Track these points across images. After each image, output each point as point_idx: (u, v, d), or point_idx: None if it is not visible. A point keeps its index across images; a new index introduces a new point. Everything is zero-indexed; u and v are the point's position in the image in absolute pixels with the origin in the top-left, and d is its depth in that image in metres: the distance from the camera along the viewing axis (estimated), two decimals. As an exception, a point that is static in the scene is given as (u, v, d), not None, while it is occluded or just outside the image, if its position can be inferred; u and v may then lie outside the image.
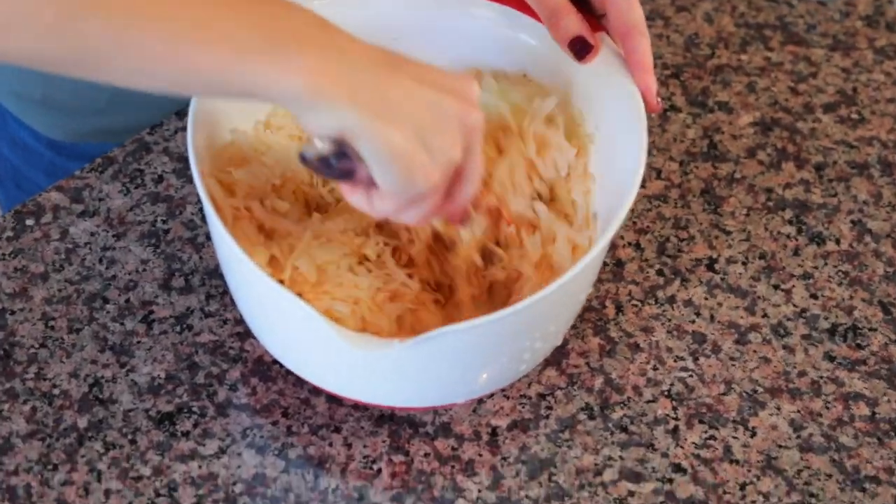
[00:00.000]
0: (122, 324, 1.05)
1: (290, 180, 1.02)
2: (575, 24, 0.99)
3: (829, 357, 1.07)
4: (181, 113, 1.19)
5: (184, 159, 1.16)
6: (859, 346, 1.08)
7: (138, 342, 1.04)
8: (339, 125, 0.79)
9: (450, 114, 0.82)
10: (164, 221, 1.12)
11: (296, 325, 0.92)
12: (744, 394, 1.05)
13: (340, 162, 0.82)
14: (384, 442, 0.99)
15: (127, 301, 1.07)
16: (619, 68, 0.98)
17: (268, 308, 0.93)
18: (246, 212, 0.97)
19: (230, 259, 0.92)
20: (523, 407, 1.02)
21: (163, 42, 0.74)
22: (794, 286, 1.11)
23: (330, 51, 0.78)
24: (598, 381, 1.05)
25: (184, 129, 1.18)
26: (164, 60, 0.75)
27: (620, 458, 1.00)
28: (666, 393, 1.04)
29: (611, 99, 0.99)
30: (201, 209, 1.11)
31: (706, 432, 1.02)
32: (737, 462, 1.00)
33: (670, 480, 0.99)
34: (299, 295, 0.88)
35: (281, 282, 0.93)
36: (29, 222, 1.11)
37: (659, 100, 0.98)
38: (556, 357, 1.05)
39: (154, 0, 0.74)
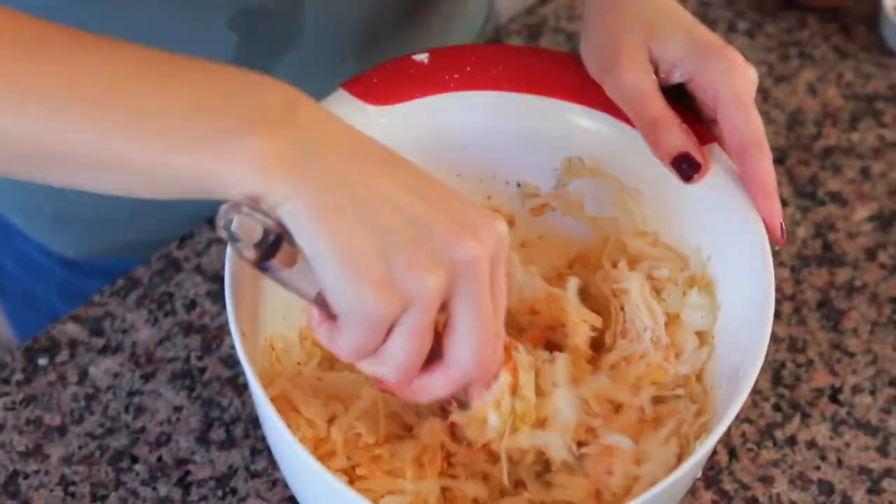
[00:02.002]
0: (154, 488, 0.90)
1: None
2: (679, 137, 0.84)
3: (982, 510, 0.91)
4: (213, 221, 1.03)
5: (219, 279, 1.00)
6: None
7: (174, 512, 0.89)
8: (277, 207, 0.65)
9: (435, 235, 0.66)
10: (198, 358, 0.96)
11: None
12: (882, 556, 0.89)
13: (273, 249, 0.66)
14: None
15: (159, 459, 0.91)
16: (734, 190, 0.83)
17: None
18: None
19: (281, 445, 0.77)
20: (628, 585, 0.87)
21: (89, 142, 0.65)
22: (932, 420, 0.96)
23: (287, 131, 0.65)
24: (714, 547, 0.89)
25: (218, 241, 1.02)
26: (95, 161, 0.65)
27: None
28: (793, 560, 0.89)
29: (724, 228, 0.84)
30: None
31: None
32: None
33: None
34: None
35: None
36: (42, 362, 0.96)
37: (783, 230, 0.82)
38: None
39: (76, 95, 0.64)
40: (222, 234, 0.66)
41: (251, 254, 0.67)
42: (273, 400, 0.75)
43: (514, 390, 0.78)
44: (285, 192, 0.64)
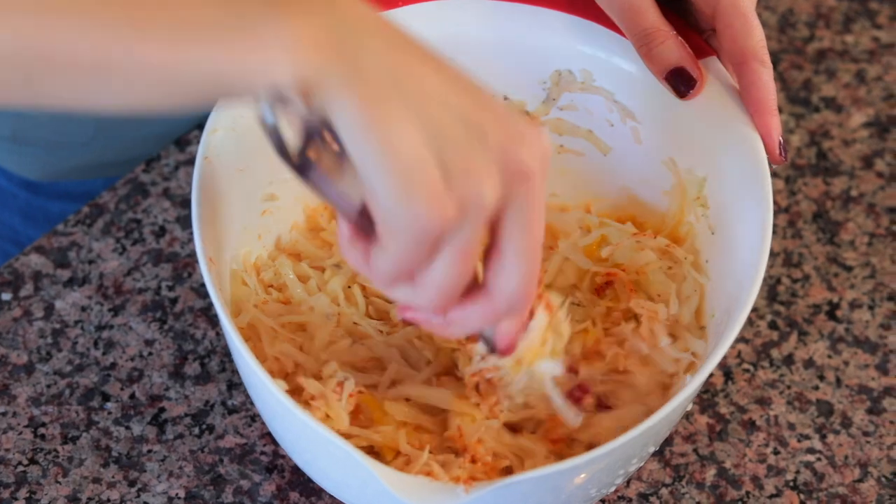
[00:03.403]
0: (127, 427, 0.86)
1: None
2: (674, 51, 0.79)
3: None
4: (182, 142, 0.98)
5: (189, 203, 0.95)
6: None
7: (149, 451, 0.85)
8: (319, 99, 0.57)
9: (489, 139, 0.59)
10: (169, 288, 0.92)
11: (336, 466, 0.73)
12: (882, 479, 0.86)
13: (315, 150, 0.59)
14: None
15: (132, 397, 0.87)
16: (732, 107, 0.79)
17: (302, 439, 0.75)
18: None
19: (254, 382, 0.73)
20: (624, 516, 0.85)
21: (90, 40, 0.55)
22: (933, 335, 0.93)
23: (323, 15, 0.57)
24: (710, 473, 0.86)
25: (186, 163, 0.98)
26: (99, 66, 0.56)
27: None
28: (791, 484, 0.86)
29: (721, 148, 0.80)
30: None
31: (847, 539, 0.84)
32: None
33: None
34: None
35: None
36: (5, 296, 0.91)
37: (782, 148, 0.78)
38: (659, 445, 0.86)
39: None
40: (263, 129, 0.59)
41: (293, 153, 0.59)
42: (242, 331, 0.71)
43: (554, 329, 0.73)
44: (329, 80, 0.56)
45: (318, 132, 0.59)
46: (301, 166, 0.60)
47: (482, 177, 0.59)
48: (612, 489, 0.80)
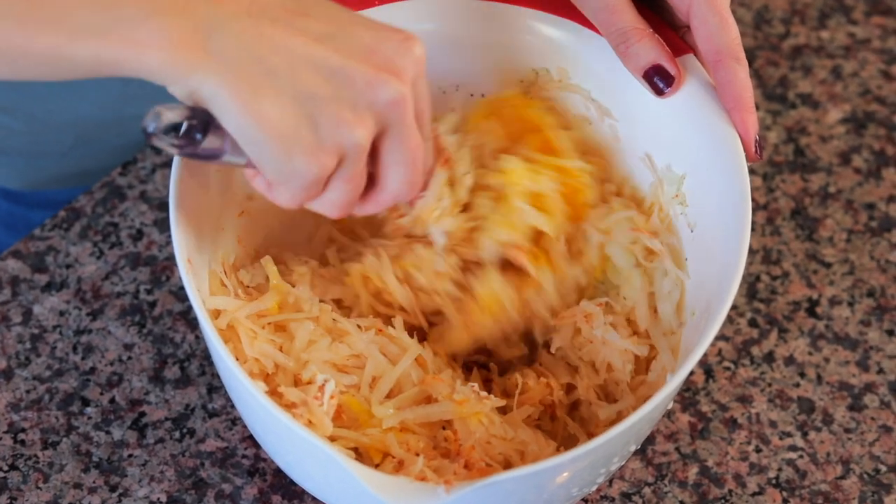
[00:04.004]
0: (107, 432, 0.86)
1: None
2: (651, 49, 0.79)
3: (966, 424, 0.89)
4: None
5: (166, 206, 0.94)
6: None
7: (130, 456, 0.85)
8: (196, 93, 0.64)
9: (355, 84, 0.66)
10: (148, 291, 0.91)
11: (318, 467, 0.73)
12: (864, 475, 0.87)
13: (203, 139, 0.66)
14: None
15: (111, 401, 0.87)
16: (710, 104, 0.78)
17: (284, 442, 0.74)
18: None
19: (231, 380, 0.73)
20: (607, 515, 0.85)
21: None
22: (913, 331, 0.93)
23: (189, 9, 0.64)
24: (692, 472, 0.86)
25: (163, 165, 0.97)
26: None
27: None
28: (774, 481, 0.86)
29: (699, 145, 0.79)
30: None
31: (830, 536, 0.85)
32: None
33: None
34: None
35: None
36: (-17, 301, 0.91)
37: (759, 146, 0.78)
38: (641, 444, 0.86)
39: None
40: (151, 138, 0.65)
41: (181, 143, 0.65)
42: (221, 333, 0.71)
43: (453, 182, 0.79)
44: (200, 76, 0.63)
45: (198, 116, 0.65)
46: (193, 152, 0.66)
47: (353, 124, 0.66)
48: (594, 488, 0.80)
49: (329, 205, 0.70)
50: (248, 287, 0.82)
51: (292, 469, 0.79)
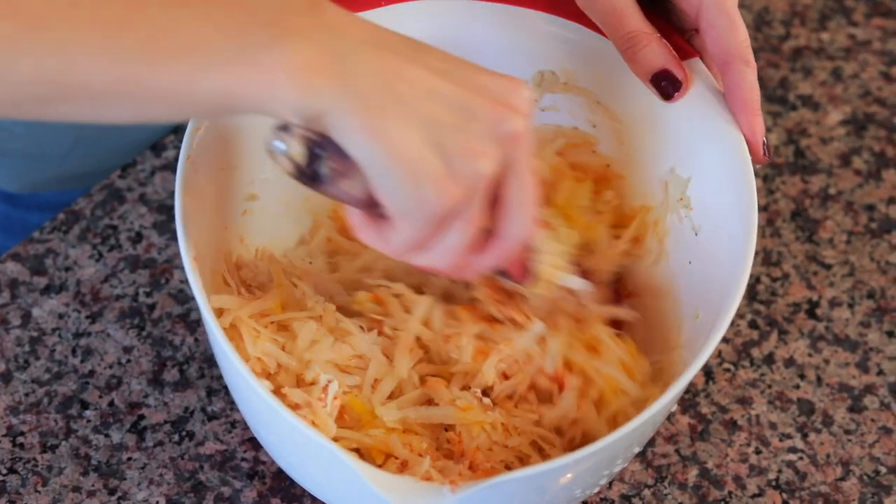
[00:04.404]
0: (106, 435, 0.86)
1: None
2: (658, 54, 0.78)
3: (966, 425, 0.89)
4: (158, 146, 0.98)
5: (165, 209, 0.95)
6: None
7: (129, 459, 0.85)
8: (319, 119, 0.63)
9: (479, 116, 0.65)
10: (147, 294, 0.91)
11: (321, 467, 0.73)
12: (864, 477, 0.86)
13: (324, 163, 0.65)
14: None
15: (111, 404, 0.87)
16: (715, 108, 0.78)
17: (287, 442, 0.74)
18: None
19: (236, 380, 0.73)
20: (607, 518, 0.84)
21: (106, 71, 0.61)
22: (913, 333, 0.93)
23: (316, 35, 0.63)
24: (692, 474, 0.86)
25: (163, 168, 0.97)
26: (113, 92, 0.61)
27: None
28: (774, 483, 0.86)
29: (705, 149, 0.79)
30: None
31: (830, 538, 0.84)
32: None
33: None
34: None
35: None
36: (-18, 304, 0.91)
37: (766, 148, 0.78)
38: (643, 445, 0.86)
39: (90, 18, 0.60)
40: (274, 158, 0.64)
41: (301, 169, 0.65)
42: (225, 332, 0.71)
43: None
44: (329, 101, 0.62)
45: (321, 145, 0.64)
46: (312, 179, 0.65)
47: (479, 154, 0.64)
48: (596, 489, 0.80)
49: (445, 252, 0.68)
50: (250, 286, 0.82)
51: (294, 470, 0.79)
